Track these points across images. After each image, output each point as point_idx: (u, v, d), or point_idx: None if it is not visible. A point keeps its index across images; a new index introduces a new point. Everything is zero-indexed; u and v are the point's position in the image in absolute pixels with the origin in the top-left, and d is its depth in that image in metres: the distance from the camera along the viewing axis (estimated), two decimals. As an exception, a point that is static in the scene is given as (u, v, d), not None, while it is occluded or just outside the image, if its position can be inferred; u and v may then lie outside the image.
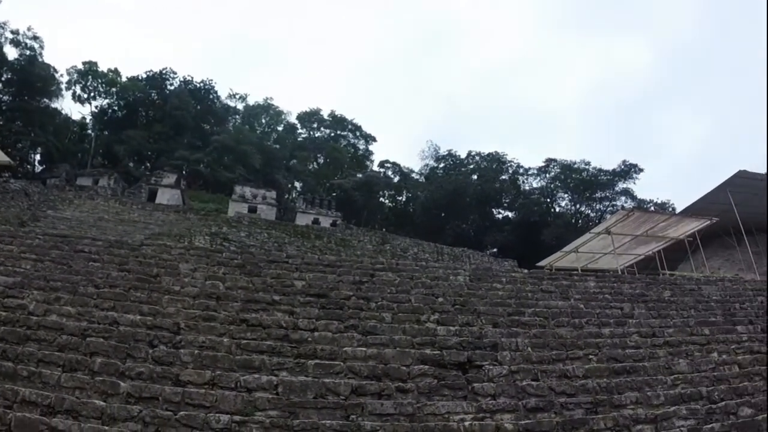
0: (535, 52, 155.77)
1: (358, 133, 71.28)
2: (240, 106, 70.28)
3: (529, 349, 8.89)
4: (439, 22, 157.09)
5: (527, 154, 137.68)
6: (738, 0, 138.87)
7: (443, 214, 53.69)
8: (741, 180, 26.54)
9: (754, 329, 12.30)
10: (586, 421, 7.04)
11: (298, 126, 71.25)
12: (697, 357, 10.13)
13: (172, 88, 62.22)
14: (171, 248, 12.10)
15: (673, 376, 8.97)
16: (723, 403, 8.28)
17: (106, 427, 5.40)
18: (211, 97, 64.35)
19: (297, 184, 63.72)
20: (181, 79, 63.03)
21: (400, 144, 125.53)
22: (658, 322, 11.59)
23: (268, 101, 70.85)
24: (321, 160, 68.66)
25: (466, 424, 6.49)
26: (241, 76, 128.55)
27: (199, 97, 62.35)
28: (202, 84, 63.53)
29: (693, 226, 23.15)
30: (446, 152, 62.56)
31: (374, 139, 71.73)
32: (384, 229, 48.67)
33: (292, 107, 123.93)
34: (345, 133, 71.02)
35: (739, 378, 9.58)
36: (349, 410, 6.36)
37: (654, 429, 7.26)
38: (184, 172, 49.15)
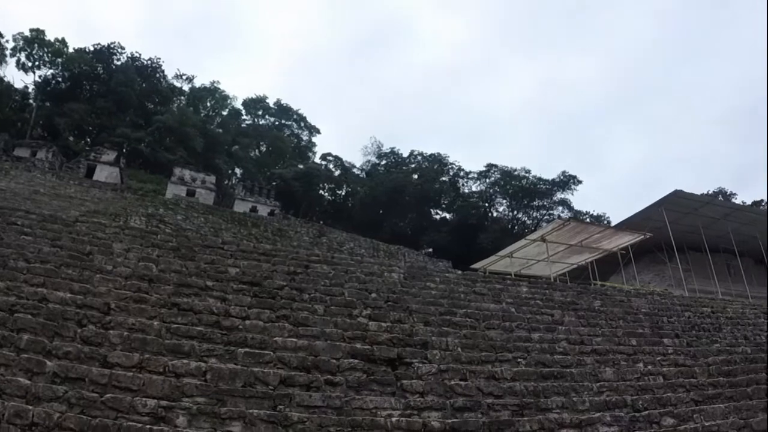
0: (485, 59, 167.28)
1: (302, 124, 77.28)
2: (186, 87, 74.76)
3: (459, 349, 9.92)
4: (390, 21, 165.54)
5: (469, 157, 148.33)
6: (684, 32, 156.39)
7: (382, 211, 58.82)
8: (676, 199, 30.00)
9: (680, 343, 14.14)
10: (512, 422, 8.00)
11: (243, 112, 76.74)
12: (624, 366, 11.56)
13: (119, 63, 65.91)
14: (106, 227, 12.59)
15: (599, 384, 10.23)
16: (647, 412, 9.54)
17: (30, 407, 5.77)
18: (157, 75, 68.54)
19: (237, 171, 67.83)
20: (129, 55, 67.20)
21: (343, 138, 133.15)
22: (587, 331, 13.03)
23: (215, 85, 75.71)
24: (263, 148, 73.22)
25: (393, 420, 7.28)
26: (190, 56, 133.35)
27: (145, 74, 66.40)
28: (149, 62, 67.88)
29: (626, 239, 25.72)
30: (389, 150, 69.26)
31: (318, 131, 78.19)
32: (322, 222, 52.28)
33: (238, 93, 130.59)
34: (289, 122, 76.77)
35: (663, 389, 11.05)
36: (277, 400, 7.00)
37: None
38: (124, 150, 52.04)
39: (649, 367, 11.90)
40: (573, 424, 8.51)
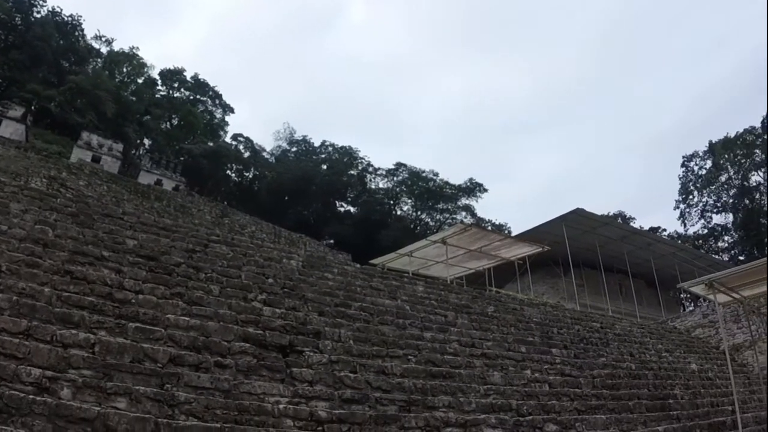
0: (413, 58, 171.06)
1: (217, 102, 78.24)
2: (104, 49, 74.54)
3: (351, 341, 10.44)
4: (325, 8, 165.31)
5: (380, 154, 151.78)
6: (614, 53, 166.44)
7: (287, 198, 60.81)
8: (577, 217, 32.17)
9: (568, 354, 15.29)
10: (398, 418, 8.55)
11: (159, 82, 76.47)
12: (512, 372, 12.41)
13: (39, 16, 64.41)
14: (5, 185, 12.31)
15: (487, 387, 11.00)
16: (531, 417, 10.37)
17: None
18: (76, 34, 68.03)
19: (146, 142, 67.92)
20: (50, 9, 65.74)
21: (257, 121, 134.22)
22: (479, 334, 13.86)
23: (134, 51, 75.52)
24: (175, 122, 73.42)
25: (281, 407, 7.64)
26: (112, 17, 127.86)
27: (64, 31, 65.47)
28: (70, 18, 66.87)
29: (525, 250, 27.26)
30: (301, 137, 71.90)
31: (232, 111, 79.38)
32: (226, 203, 53.48)
33: (157, 62, 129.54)
34: (205, 98, 77.24)
35: (548, 396, 11.96)
36: (164, 379, 7.19)
37: None
38: (33, 108, 51.58)
39: (536, 374, 12.86)
40: (458, 424, 9.14)
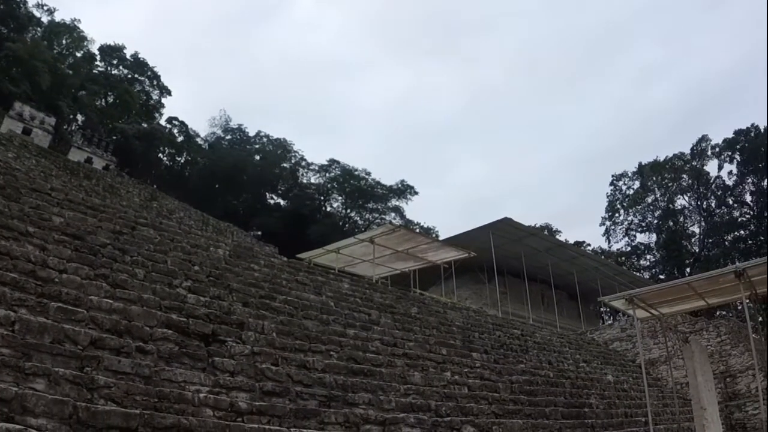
0: (355, 58, 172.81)
1: (155, 83, 77.07)
2: (45, 19, 72.42)
3: (275, 334, 10.65)
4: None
5: (314, 149, 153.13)
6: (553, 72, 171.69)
7: (218, 186, 61.45)
8: (504, 226, 33.26)
9: (488, 358, 15.88)
10: (318, 412, 8.80)
11: (98, 58, 75.05)
12: (432, 373, 12.88)
13: None
14: None
15: (407, 386, 11.37)
16: (449, 418, 10.76)
17: None
18: (18, 0, 65.44)
19: (80, 118, 66.49)
20: None
21: (194, 106, 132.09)
22: (401, 334, 14.26)
23: (75, 23, 73.63)
24: (111, 99, 72.24)
25: (201, 396, 7.79)
26: None
27: None
28: None
29: (451, 255, 28.07)
30: (236, 126, 72.06)
31: (170, 93, 78.10)
32: (156, 186, 52.61)
33: (97, 36, 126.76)
34: (143, 78, 76.09)
35: (467, 399, 12.45)
36: (85, 362, 7.21)
37: (382, 431, 9.60)
38: None
39: (456, 377, 13.35)
40: (377, 422, 9.44)
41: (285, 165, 69.33)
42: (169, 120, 73.42)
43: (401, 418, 9.87)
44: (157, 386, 7.57)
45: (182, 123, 72.49)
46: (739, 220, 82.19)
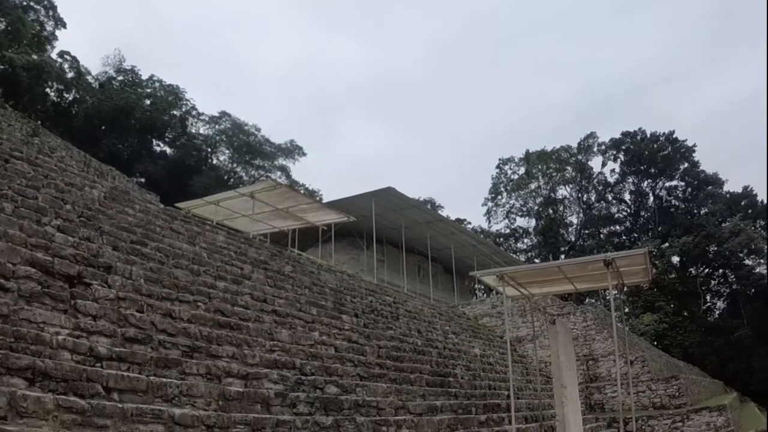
0: (261, 15, 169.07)
1: (51, 13, 72.87)
2: None
3: (142, 280, 10.57)
4: None
5: (206, 100, 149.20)
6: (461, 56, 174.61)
7: (104, 128, 59.71)
8: (388, 195, 33.81)
9: (358, 322, 16.24)
10: (180, 362, 8.87)
11: None
12: (300, 331, 13.07)
13: None
14: None
15: (273, 343, 11.54)
16: (313, 377, 11.01)
17: None
18: None
19: None
20: None
21: (88, 40, 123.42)
22: (273, 291, 14.41)
23: None
24: (2, 26, 67.42)
25: (60, 338, 7.70)
26: None
27: None
28: None
29: (331, 217, 28.35)
30: (129, 67, 69.39)
31: (65, 25, 73.94)
32: (40, 122, 50.39)
33: None
34: (38, 7, 71.95)
35: (333, 359, 12.73)
36: None
37: (244, 385, 9.57)
38: None
39: (324, 337, 13.65)
40: (240, 375, 9.58)
41: (175, 112, 67.89)
42: (61, 54, 69.98)
43: (264, 374, 10.05)
44: (14, 326, 7.42)
45: (74, 58, 69.25)
46: (616, 216, 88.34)
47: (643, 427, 21.69)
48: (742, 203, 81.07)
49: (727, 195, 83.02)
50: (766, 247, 71.88)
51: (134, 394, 7.43)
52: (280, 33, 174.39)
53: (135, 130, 62.09)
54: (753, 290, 72.19)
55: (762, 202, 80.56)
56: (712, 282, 78.72)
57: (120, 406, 6.76)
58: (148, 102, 65.59)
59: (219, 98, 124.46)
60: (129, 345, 8.68)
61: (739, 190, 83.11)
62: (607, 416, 22.20)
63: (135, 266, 11.00)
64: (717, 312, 79.07)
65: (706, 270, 77.57)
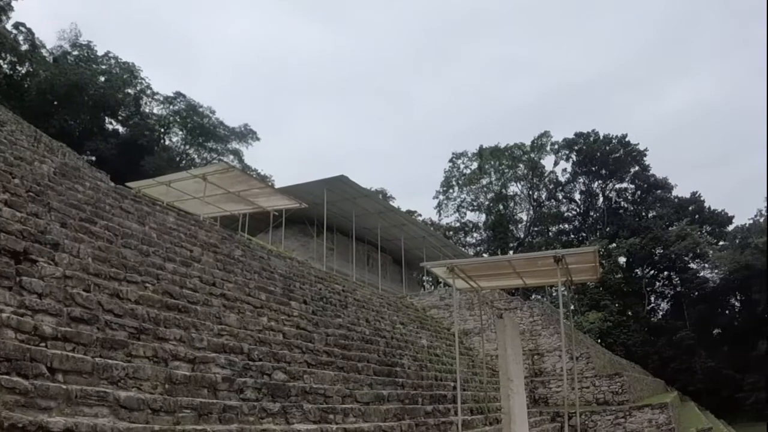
0: None
1: None
2: None
3: (90, 259, 10.41)
4: None
5: (162, 80, 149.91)
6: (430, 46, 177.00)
7: (57, 103, 58.66)
8: (340, 183, 33.96)
9: (307, 309, 16.25)
10: (127, 344, 8.80)
11: None
12: (248, 316, 13.03)
13: None
14: None
15: (221, 327, 11.47)
16: (261, 362, 11.01)
17: None
18: None
19: None
20: None
21: (43, 13, 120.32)
22: (222, 275, 14.35)
23: None
24: None
25: (4, 316, 7.42)
26: None
27: None
28: None
29: (283, 203, 28.44)
30: (85, 42, 68.49)
31: None
32: None
33: None
34: None
35: (281, 345, 12.75)
36: None
37: (191, 369, 9.54)
38: None
39: (273, 323, 13.65)
40: (187, 359, 9.53)
41: (129, 91, 67.23)
42: (16, 25, 68.45)
43: (212, 358, 10.02)
44: (-44, 303, 7.30)
45: (29, 30, 67.70)
46: (566, 214, 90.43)
47: (587, 422, 22.17)
48: (690, 208, 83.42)
49: (676, 200, 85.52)
50: (710, 251, 73.84)
51: (79, 376, 7.32)
52: (241, 15, 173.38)
53: (88, 107, 61.11)
54: (696, 293, 74.49)
55: (709, 208, 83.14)
56: (657, 283, 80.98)
57: (65, 387, 6.68)
58: (102, 79, 64.78)
59: (175, 79, 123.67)
60: (75, 325, 8.54)
61: (687, 196, 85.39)
62: (551, 410, 22.68)
63: (83, 244, 10.83)
64: (660, 313, 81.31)
65: (652, 271, 79.78)
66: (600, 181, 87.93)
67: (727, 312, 77.79)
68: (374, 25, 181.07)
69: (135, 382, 7.97)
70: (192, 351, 9.92)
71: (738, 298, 76.72)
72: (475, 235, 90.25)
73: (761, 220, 67.13)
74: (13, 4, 73.91)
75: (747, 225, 73.89)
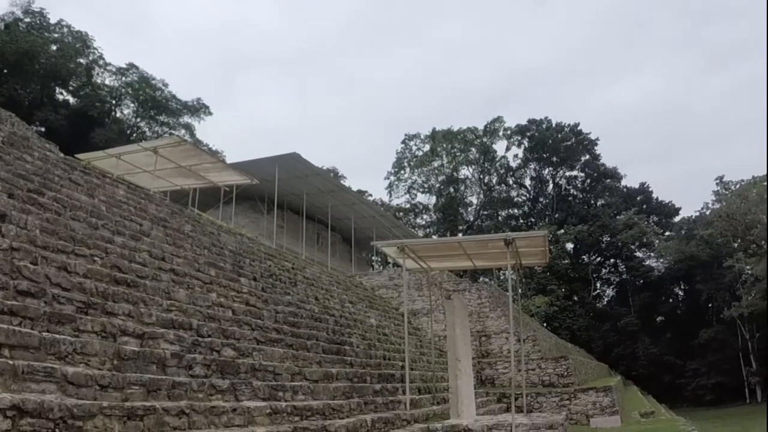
0: None
1: None
2: None
3: (38, 231, 10.28)
4: None
5: (115, 50, 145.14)
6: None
7: (6, 71, 57.93)
8: (292, 161, 34.02)
9: (256, 286, 16.29)
10: (74, 318, 8.75)
11: None
12: (198, 292, 13.00)
13: None
14: None
15: (170, 302, 11.42)
16: (210, 339, 11.01)
17: None
18: None
19: None
20: None
21: None
22: (171, 249, 14.30)
23: None
24: None
25: None
26: None
27: None
28: None
29: (234, 179, 28.40)
30: (39, 9, 66.74)
31: None
32: None
33: None
34: None
35: (230, 322, 12.76)
36: None
37: (139, 344, 9.50)
38: None
39: (222, 299, 13.65)
40: (136, 334, 9.48)
41: (81, 61, 65.83)
42: None
43: (160, 333, 9.98)
44: None
45: (-21, -4, 66.32)
46: (515, 199, 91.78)
47: (532, 403, 22.69)
48: (638, 198, 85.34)
49: (624, 189, 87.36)
50: (656, 241, 75.60)
51: (26, 351, 7.21)
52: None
53: (38, 76, 60.01)
54: (641, 281, 76.47)
55: (656, 199, 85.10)
56: (603, 270, 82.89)
57: (11, 362, 6.58)
58: (54, 47, 63.41)
59: (128, 49, 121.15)
60: (21, 298, 8.41)
61: (636, 186, 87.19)
62: (498, 391, 23.16)
63: (31, 216, 10.69)
64: (606, 299, 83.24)
65: (599, 258, 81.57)
66: (551, 168, 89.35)
67: (670, 300, 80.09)
68: (333, 4, 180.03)
69: (83, 358, 7.88)
70: (141, 326, 9.87)
71: (682, 287, 79.07)
72: (425, 216, 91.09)
73: (707, 212, 68.67)
74: (-38, -33, 71.47)
75: (693, 217, 75.64)
